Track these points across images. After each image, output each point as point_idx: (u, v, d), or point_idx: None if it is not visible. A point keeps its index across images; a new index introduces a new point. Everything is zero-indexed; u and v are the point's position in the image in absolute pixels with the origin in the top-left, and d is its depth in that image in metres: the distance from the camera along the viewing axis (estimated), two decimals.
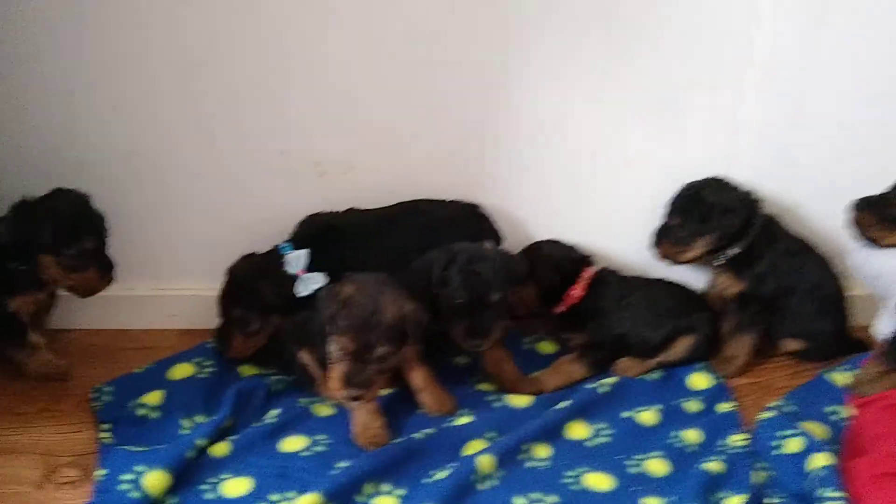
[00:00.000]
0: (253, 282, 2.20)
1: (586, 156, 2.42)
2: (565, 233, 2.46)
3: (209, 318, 2.38)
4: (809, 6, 2.21)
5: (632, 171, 2.44)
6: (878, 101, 2.32)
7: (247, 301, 2.20)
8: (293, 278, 2.21)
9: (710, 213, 2.27)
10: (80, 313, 2.40)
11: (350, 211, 2.34)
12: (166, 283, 2.47)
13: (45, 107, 2.23)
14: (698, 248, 2.31)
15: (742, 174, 2.38)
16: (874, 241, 2.08)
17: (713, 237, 2.29)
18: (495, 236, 2.39)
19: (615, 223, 2.51)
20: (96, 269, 2.13)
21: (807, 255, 2.35)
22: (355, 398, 1.91)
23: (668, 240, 2.34)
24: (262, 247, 2.29)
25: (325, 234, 2.24)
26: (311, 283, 2.20)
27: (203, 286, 2.40)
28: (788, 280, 2.31)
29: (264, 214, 2.37)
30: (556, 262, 2.34)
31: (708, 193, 2.29)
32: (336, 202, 2.35)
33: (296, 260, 2.21)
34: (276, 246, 2.25)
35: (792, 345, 2.36)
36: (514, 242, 2.41)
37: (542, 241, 2.41)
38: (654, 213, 2.40)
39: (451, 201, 2.37)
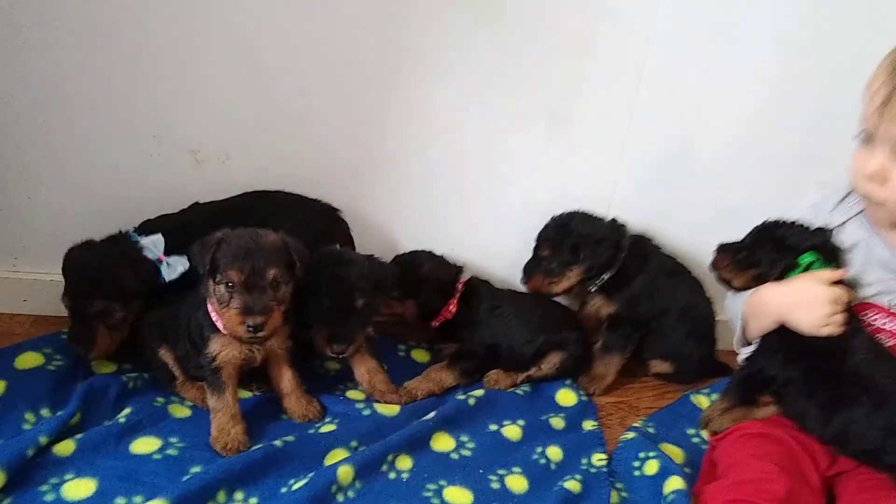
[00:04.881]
0: (112, 268, 2.06)
1: (463, 164, 2.41)
2: (433, 242, 2.45)
3: None
4: (699, 34, 2.25)
5: (512, 183, 2.44)
6: (760, 140, 2.40)
7: (107, 290, 2.07)
8: (151, 263, 2.11)
9: (582, 243, 2.30)
10: None
11: (194, 206, 2.24)
12: (21, 266, 2.34)
13: None
14: (570, 278, 2.34)
15: (625, 197, 2.43)
16: (727, 283, 2.14)
17: (584, 267, 2.32)
18: (350, 244, 2.36)
19: (488, 237, 2.51)
20: None
21: (679, 277, 2.40)
22: (257, 329, 1.83)
23: (539, 272, 2.36)
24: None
25: (171, 231, 2.14)
26: (177, 266, 2.12)
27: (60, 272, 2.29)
28: (660, 302, 2.35)
29: (136, 199, 2.25)
30: (439, 280, 2.32)
31: (577, 225, 2.33)
32: (213, 191, 2.27)
33: (154, 244, 2.12)
34: (121, 232, 2.14)
35: (660, 366, 2.42)
36: (375, 248, 2.34)
37: (418, 255, 2.37)
38: (533, 233, 2.40)
39: (311, 199, 2.32)
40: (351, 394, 2.21)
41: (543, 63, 2.27)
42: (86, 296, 2.06)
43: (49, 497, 1.74)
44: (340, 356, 2.10)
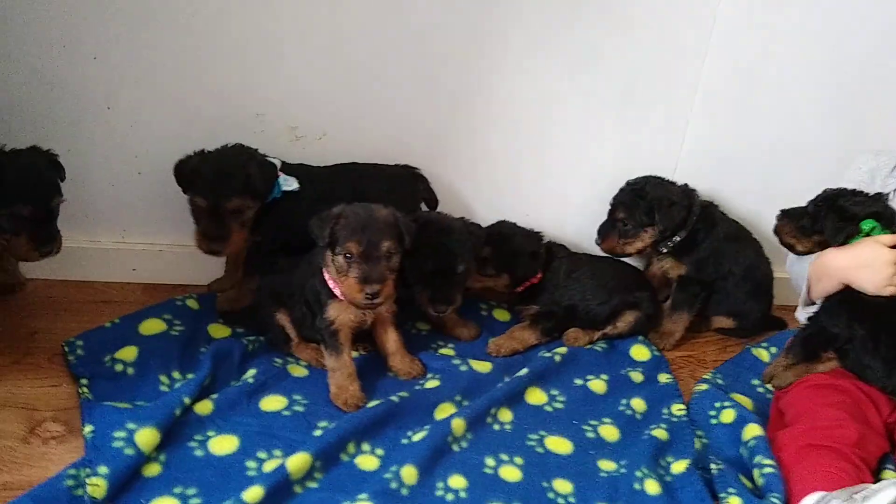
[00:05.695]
0: (245, 167, 2.18)
1: (540, 137, 2.57)
2: (510, 207, 2.60)
3: (171, 274, 2.47)
4: (763, 10, 2.41)
5: (585, 154, 2.60)
6: (810, 124, 2.59)
7: (242, 187, 2.17)
8: (274, 166, 2.26)
9: (655, 207, 2.45)
10: (41, 262, 2.36)
11: (301, 165, 2.37)
12: (131, 237, 2.48)
13: (21, 55, 2.20)
14: (644, 239, 2.50)
15: (688, 168, 2.60)
16: (790, 247, 2.31)
17: (658, 229, 2.47)
18: (431, 198, 2.52)
19: (561, 203, 2.67)
20: (27, 238, 2.04)
21: (742, 240, 2.57)
22: (373, 296, 2.00)
23: (614, 233, 2.52)
24: None
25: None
26: (291, 183, 2.27)
27: (167, 241, 2.47)
28: (726, 264, 2.53)
29: None
30: (531, 252, 2.47)
31: (650, 189, 2.48)
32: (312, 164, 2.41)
33: (275, 161, 2.28)
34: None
35: (723, 322, 2.61)
36: (456, 212, 2.50)
37: (504, 228, 2.49)
38: (600, 200, 2.56)
39: (392, 165, 2.46)
40: (443, 351, 2.38)
41: (619, 42, 2.43)
42: (224, 193, 2.16)
43: (198, 452, 1.92)
44: (441, 315, 2.31)
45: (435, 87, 2.44)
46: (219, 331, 2.32)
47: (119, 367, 2.12)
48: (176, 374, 2.14)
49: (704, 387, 2.33)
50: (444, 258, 2.24)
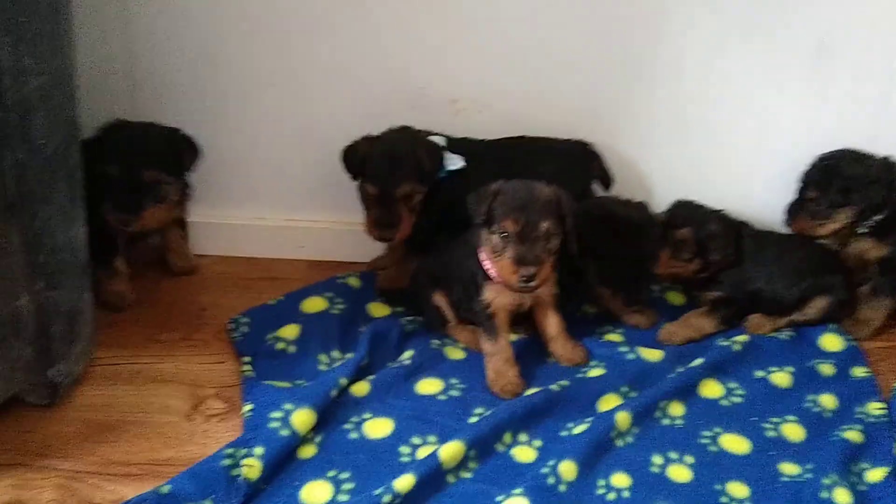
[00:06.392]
0: (414, 151, 2.15)
1: (718, 101, 2.36)
2: (684, 182, 2.41)
3: (335, 251, 2.47)
4: None
5: (769, 120, 2.37)
6: None
7: (413, 171, 2.14)
8: (440, 148, 2.21)
9: (852, 185, 2.19)
10: (210, 240, 2.46)
11: (463, 139, 2.29)
12: (297, 215, 2.49)
13: (189, 32, 2.24)
14: (839, 220, 2.24)
15: (890, 136, 2.31)
16: None
17: (855, 209, 2.21)
18: (605, 177, 2.36)
19: (743, 176, 2.45)
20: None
21: None
22: (529, 279, 1.90)
23: (806, 214, 2.27)
24: None
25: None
26: (456, 161, 2.21)
27: (332, 218, 2.46)
28: None
29: None
30: (729, 237, 2.26)
31: (846, 165, 2.22)
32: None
33: (440, 140, 2.22)
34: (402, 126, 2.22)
35: None
36: (627, 187, 2.37)
37: (696, 210, 2.29)
38: (788, 173, 2.32)
39: (563, 140, 2.32)
40: (610, 336, 2.24)
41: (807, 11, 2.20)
42: (395, 180, 2.13)
43: (353, 435, 1.89)
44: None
45: (603, 51, 2.29)
46: (379, 310, 2.29)
47: (281, 346, 2.13)
48: (335, 354, 2.12)
49: None
50: (640, 261, 2.17)
